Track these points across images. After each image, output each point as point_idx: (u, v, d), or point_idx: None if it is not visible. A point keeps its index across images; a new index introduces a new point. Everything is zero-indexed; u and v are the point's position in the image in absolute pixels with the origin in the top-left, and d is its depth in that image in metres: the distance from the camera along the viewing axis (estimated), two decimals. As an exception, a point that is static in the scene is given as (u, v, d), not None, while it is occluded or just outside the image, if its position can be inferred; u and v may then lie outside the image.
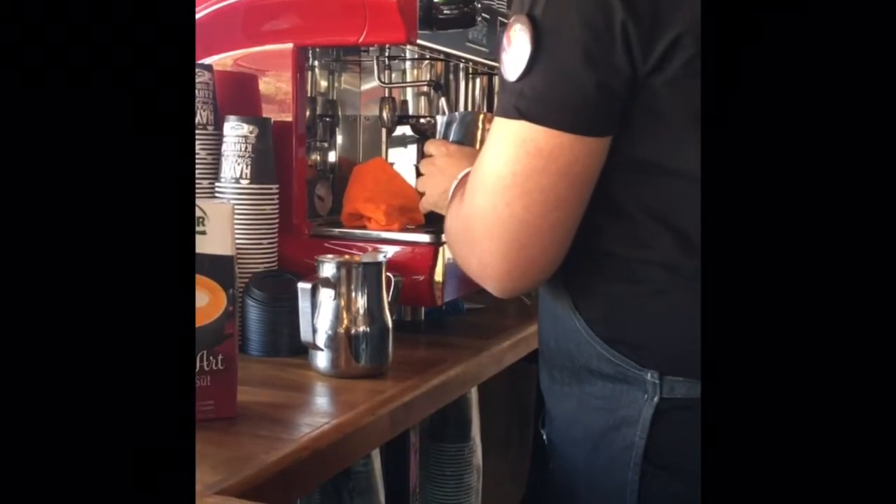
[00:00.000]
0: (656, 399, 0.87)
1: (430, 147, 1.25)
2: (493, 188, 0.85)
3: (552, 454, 0.99)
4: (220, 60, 1.35)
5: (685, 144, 0.83)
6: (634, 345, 0.89)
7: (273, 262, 1.26)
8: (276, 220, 1.26)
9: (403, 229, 1.31)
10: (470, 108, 1.66)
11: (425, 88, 1.51)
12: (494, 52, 1.48)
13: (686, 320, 0.85)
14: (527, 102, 0.82)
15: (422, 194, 1.25)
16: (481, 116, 1.37)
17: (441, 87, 1.49)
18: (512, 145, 0.84)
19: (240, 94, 1.33)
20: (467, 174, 1.09)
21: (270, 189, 1.25)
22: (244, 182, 1.22)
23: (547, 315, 0.98)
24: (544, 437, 1.01)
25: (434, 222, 1.37)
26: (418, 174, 1.26)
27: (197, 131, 1.25)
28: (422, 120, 1.50)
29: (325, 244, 1.31)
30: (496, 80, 1.76)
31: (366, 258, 1.15)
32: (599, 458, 0.92)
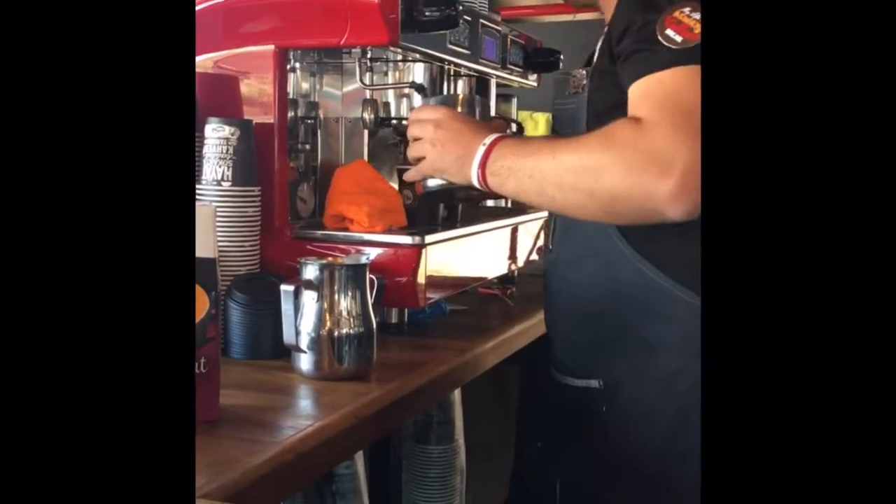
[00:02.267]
0: None
1: (425, 112, 1.20)
2: (692, 115, 0.91)
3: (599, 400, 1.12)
4: (200, 62, 1.34)
5: None
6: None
7: (255, 264, 1.26)
8: (258, 223, 1.26)
9: (386, 231, 1.31)
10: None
11: (407, 90, 1.51)
12: (476, 53, 1.48)
13: None
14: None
15: (417, 159, 1.18)
16: (461, 97, 1.37)
17: (423, 88, 1.49)
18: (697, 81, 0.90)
19: (221, 96, 1.32)
20: (496, 140, 1.09)
21: (252, 191, 1.25)
22: (226, 184, 1.22)
23: (593, 276, 1.11)
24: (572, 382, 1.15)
25: (418, 223, 1.37)
26: (408, 140, 1.20)
27: (178, 133, 1.24)
28: (404, 122, 1.49)
29: (308, 246, 1.31)
30: (477, 81, 1.76)
31: (349, 260, 1.15)
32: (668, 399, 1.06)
